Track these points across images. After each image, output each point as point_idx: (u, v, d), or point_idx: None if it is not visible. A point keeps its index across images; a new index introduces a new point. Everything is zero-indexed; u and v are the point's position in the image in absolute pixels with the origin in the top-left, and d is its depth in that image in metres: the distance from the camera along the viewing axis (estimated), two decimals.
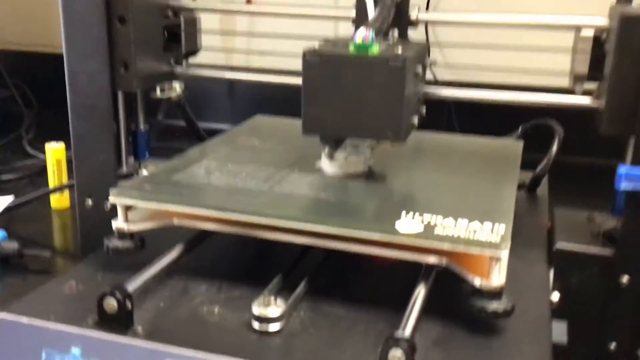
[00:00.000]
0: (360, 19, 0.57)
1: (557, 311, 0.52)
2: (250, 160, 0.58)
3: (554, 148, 0.68)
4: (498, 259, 0.42)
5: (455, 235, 0.44)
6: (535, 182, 0.70)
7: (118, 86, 0.59)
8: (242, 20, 1.15)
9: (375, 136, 0.52)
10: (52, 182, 0.84)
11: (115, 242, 0.50)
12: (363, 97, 0.49)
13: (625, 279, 0.52)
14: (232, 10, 0.87)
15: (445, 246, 0.43)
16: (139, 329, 0.43)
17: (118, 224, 0.50)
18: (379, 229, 0.45)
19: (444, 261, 0.45)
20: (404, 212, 0.47)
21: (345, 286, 0.50)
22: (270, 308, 0.43)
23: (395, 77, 0.48)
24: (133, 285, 0.45)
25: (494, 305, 0.43)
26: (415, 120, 0.54)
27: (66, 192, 0.86)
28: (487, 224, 0.45)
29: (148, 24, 0.60)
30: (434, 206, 0.48)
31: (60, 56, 0.59)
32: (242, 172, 0.55)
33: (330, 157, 0.56)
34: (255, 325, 0.43)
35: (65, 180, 0.84)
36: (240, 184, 0.53)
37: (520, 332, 0.44)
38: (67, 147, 0.77)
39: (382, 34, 0.52)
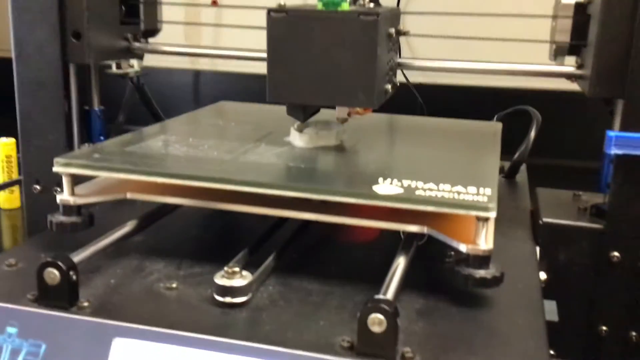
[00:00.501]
0: None
1: (545, 291, 0.48)
2: (214, 136, 0.54)
3: (532, 134, 0.65)
4: (486, 220, 0.38)
5: (439, 196, 0.40)
6: (514, 169, 0.67)
7: (69, 58, 0.55)
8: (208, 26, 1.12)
9: (347, 103, 0.48)
10: (1, 179, 0.79)
11: (60, 218, 0.44)
12: (332, 58, 0.45)
13: (615, 254, 0.49)
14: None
15: (429, 208, 0.39)
16: (85, 304, 0.38)
17: (63, 196, 0.45)
18: (355, 192, 0.41)
19: (425, 229, 0.41)
20: (380, 179, 0.42)
21: (318, 261, 0.46)
22: (235, 279, 0.39)
23: (368, 33, 0.44)
24: (79, 256, 0.40)
25: (482, 273, 0.39)
26: (389, 87, 0.50)
27: (17, 192, 0.80)
28: (472, 188, 0.41)
29: None
30: (413, 173, 0.44)
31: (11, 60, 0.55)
32: (204, 145, 0.50)
33: (300, 130, 0.52)
34: (218, 297, 0.39)
35: (16, 177, 0.79)
36: (201, 154, 0.48)
37: (512, 305, 0.40)
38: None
39: None
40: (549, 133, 0.68)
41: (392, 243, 0.44)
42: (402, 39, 1.04)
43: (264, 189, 0.42)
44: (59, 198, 0.45)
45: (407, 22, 1.01)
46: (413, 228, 0.41)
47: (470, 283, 0.39)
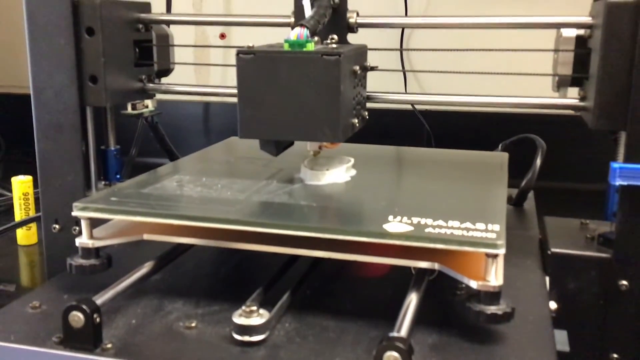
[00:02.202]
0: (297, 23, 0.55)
1: (556, 320, 0.49)
2: (226, 174, 0.55)
3: (538, 162, 0.66)
4: (495, 257, 0.39)
5: (448, 233, 0.41)
6: (521, 197, 0.68)
7: (86, 101, 0.56)
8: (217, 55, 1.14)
9: (313, 137, 0.49)
10: (19, 216, 0.80)
11: (79, 260, 0.46)
12: (299, 95, 0.47)
13: (624, 282, 0.50)
14: (204, 21, 0.85)
15: (438, 245, 0.40)
16: (109, 346, 0.39)
17: (82, 240, 0.46)
18: (366, 231, 0.42)
19: (436, 265, 0.42)
20: (390, 217, 0.44)
21: (332, 297, 0.47)
22: (252, 318, 0.40)
23: (331, 72, 0.46)
24: (101, 299, 0.41)
25: (493, 309, 0.40)
26: (356, 121, 0.51)
27: (33, 228, 0.82)
28: (480, 224, 0.42)
29: (118, 36, 0.58)
30: (422, 210, 0.45)
31: (29, 97, 0.57)
32: (217, 184, 0.52)
33: (310, 167, 0.53)
34: (237, 336, 0.40)
35: (33, 214, 0.80)
36: (215, 194, 0.49)
37: (523, 339, 0.41)
38: (36, 183, 0.73)
39: (320, 36, 0.50)
40: (553, 156, 0.69)
41: (403, 276, 0.45)
42: (408, 66, 1.06)
43: (278, 229, 0.43)
44: (78, 241, 0.46)
45: (413, 55, 1.04)
46: (424, 264, 0.42)
47: (481, 319, 0.40)
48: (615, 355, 0.51)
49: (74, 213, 0.46)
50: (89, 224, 0.46)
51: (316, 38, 0.49)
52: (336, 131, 0.47)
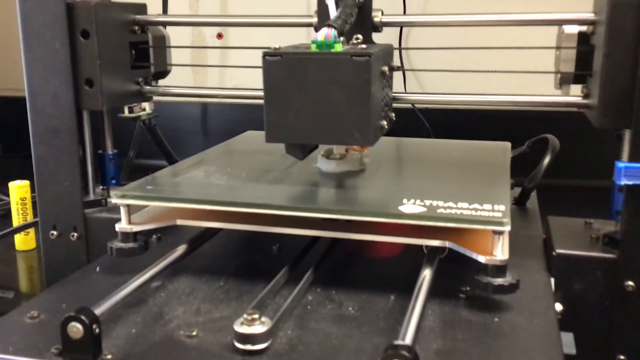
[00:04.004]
0: (322, 23, 0.54)
1: (562, 323, 0.49)
2: (248, 165, 0.58)
3: (546, 161, 0.64)
4: (501, 233, 0.43)
5: (459, 213, 0.44)
6: (524, 196, 0.67)
7: (82, 105, 0.56)
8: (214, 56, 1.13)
9: (342, 141, 0.49)
10: (17, 221, 0.79)
11: (119, 244, 0.49)
12: (327, 98, 0.46)
13: (630, 283, 0.49)
14: (201, 22, 0.84)
15: (450, 224, 0.43)
16: (108, 357, 0.39)
17: (121, 225, 0.49)
18: (384, 212, 0.45)
19: (447, 243, 0.45)
20: (405, 199, 0.46)
21: (334, 302, 0.46)
22: (254, 326, 0.39)
23: (361, 73, 0.45)
24: (100, 308, 0.40)
25: (500, 280, 0.43)
26: (385, 123, 0.51)
27: (31, 233, 0.81)
28: (487, 205, 0.45)
29: (113, 38, 0.57)
30: (433, 194, 0.48)
31: (23, 99, 0.56)
32: (242, 173, 0.55)
33: (327, 156, 0.55)
34: (239, 345, 0.39)
35: (30, 219, 0.80)
36: (240, 183, 0.52)
37: (529, 342, 0.41)
38: (33, 187, 0.72)
39: (345, 35, 0.49)
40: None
41: (408, 280, 0.45)
42: (407, 64, 1.05)
43: (302, 212, 0.46)
44: (117, 227, 0.49)
45: (412, 53, 1.03)
46: (435, 243, 0.45)
47: (490, 289, 0.43)
48: (622, 357, 0.50)
49: (114, 200, 0.49)
50: (128, 210, 0.49)
51: (342, 38, 0.48)
52: (366, 134, 0.46)
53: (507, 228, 0.42)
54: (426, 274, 0.44)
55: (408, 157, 0.67)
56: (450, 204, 0.45)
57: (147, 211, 0.52)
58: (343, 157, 0.55)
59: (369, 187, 0.52)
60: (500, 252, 0.43)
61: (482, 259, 0.43)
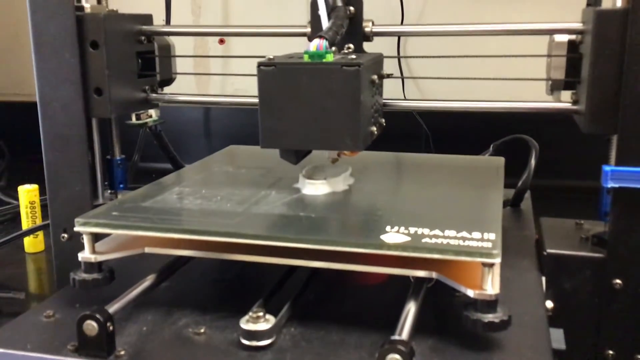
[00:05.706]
0: (315, 34, 0.56)
1: (552, 319, 0.51)
2: (225, 185, 0.56)
3: (532, 162, 0.67)
4: (491, 266, 0.40)
5: (445, 243, 0.41)
6: (518, 197, 0.69)
7: (92, 113, 0.58)
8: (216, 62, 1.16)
9: (334, 146, 0.50)
10: (26, 224, 0.82)
11: (82, 275, 0.46)
12: (319, 105, 0.48)
13: (617, 281, 0.51)
14: (205, 32, 0.86)
15: (435, 255, 0.41)
16: (122, 353, 0.41)
17: (84, 254, 0.46)
18: (364, 243, 0.42)
19: (433, 274, 0.42)
20: (388, 227, 0.44)
21: (334, 302, 0.49)
22: (259, 323, 0.42)
23: (351, 82, 0.47)
24: (113, 308, 0.43)
25: (490, 317, 0.40)
26: (375, 129, 0.53)
27: (40, 235, 0.83)
28: (476, 233, 0.43)
29: (121, 48, 0.59)
30: (419, 220, 0.46)
31: (33, 104, 0.58)
32: (217, 196, 0.52)
33: (309, 177, 0.54)
34: (245, 341, 0.41)
35: (39, 222, 0.82)
36: (214, 207, 0.50)
37: (520, 337, 0.43)
38: (42, 191, 0.75)
39: (337, 45, 0.52)
40: (550, 154, 0.70)
41: (403, 281, 0.46)
42: (406, 69, 1.08)
43: (276, 242, 0.44)
44: (80, 256, 0.47)
45: (411, 60, 1.05)
46: (421, 273, 0.42)
47: (479, 327, 0.40)
48: (610, 352, 0.53)
49: (76, 228, 0.47)
50: (91, 239, 0.47)
51: (334, 48, 0.50)
52: (357, 140, 0.48)
53: (497, 260, 0.39)
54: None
55: (395, 176, 0.65)
56: (437, 231, 0.43)
57: (112, 239, 0.49)
58: (325, 177, 0.54)
59: (351, 212, 0.51)
60: (490, 285, 0.40)
61: (470, 293, 0.40)
